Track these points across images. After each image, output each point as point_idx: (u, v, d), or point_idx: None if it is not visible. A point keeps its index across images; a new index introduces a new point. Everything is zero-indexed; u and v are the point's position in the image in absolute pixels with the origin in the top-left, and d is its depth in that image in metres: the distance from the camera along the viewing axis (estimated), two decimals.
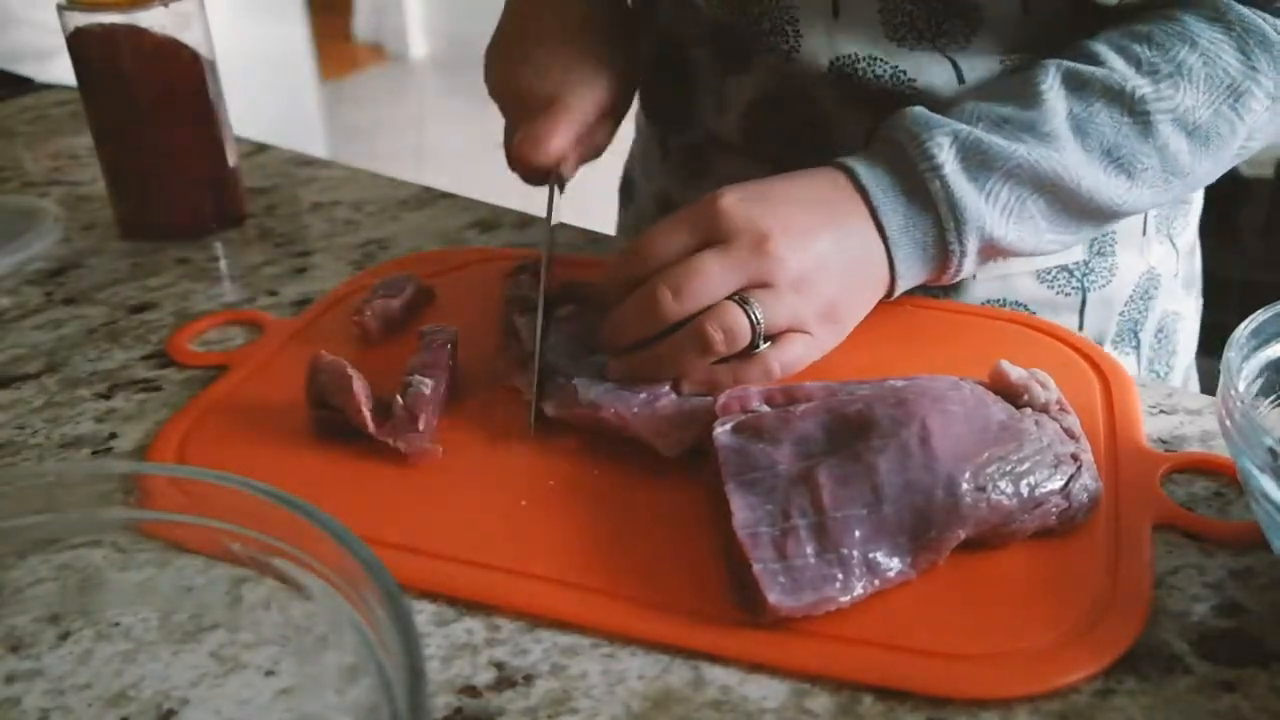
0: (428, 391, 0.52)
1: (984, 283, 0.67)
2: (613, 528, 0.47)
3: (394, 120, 3.84)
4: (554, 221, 0.63)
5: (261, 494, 0.40)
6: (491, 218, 0.81)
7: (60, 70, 0.90)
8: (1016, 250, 0.58)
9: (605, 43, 0.67)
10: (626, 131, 0.82)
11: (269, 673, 0.41)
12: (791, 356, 0.54)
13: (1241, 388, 0.45)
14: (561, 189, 0.65)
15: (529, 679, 0.41)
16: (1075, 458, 0.46)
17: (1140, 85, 0.56)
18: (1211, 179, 0.61)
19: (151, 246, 0.78)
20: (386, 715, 0.37)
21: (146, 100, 0.74)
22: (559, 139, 0.63)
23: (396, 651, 0.34)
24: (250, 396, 0.57)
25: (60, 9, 0.73)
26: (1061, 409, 0.49)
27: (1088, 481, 0.46)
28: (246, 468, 0.52)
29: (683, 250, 0.54)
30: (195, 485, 0.46)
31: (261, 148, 0.96)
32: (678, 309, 0.52)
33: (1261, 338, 0.47)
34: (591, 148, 0.67)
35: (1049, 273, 0.68)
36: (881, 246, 0.56)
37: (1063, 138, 0.56)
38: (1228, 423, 0.42)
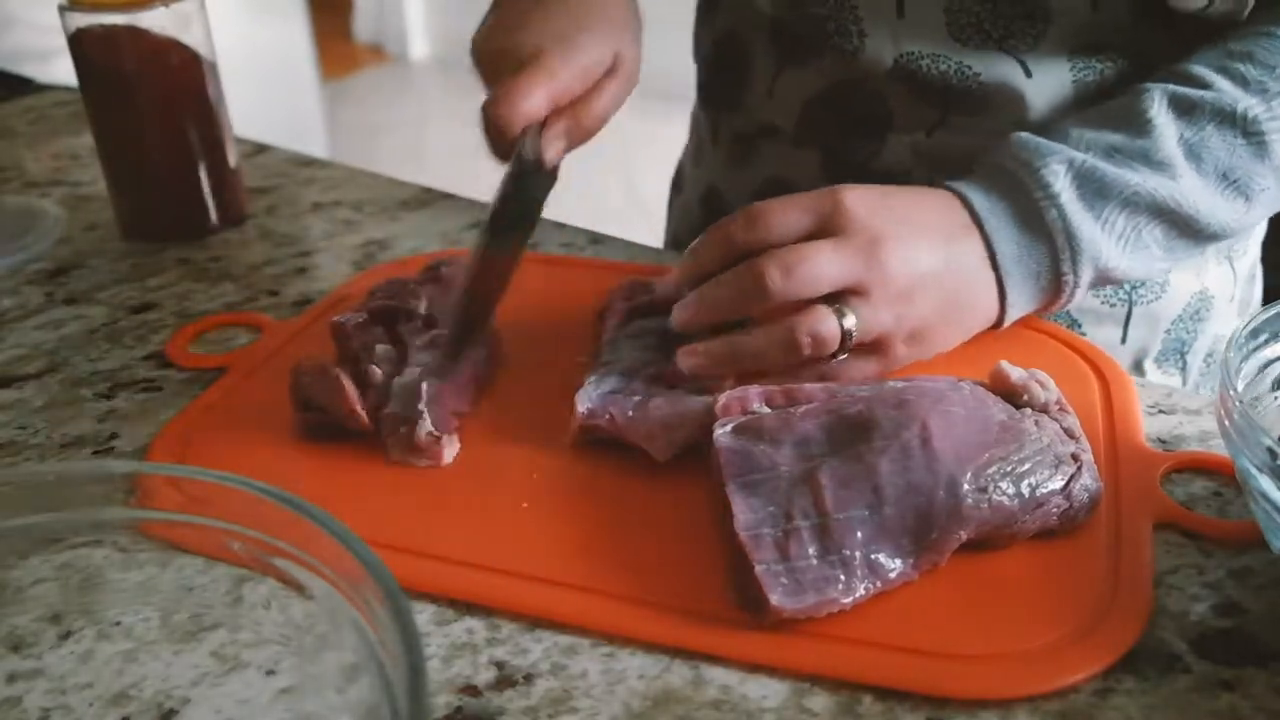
0: (425, 410, 0.52)
1: None
2: (613, 528, 0.47)
3: (394, 120, 3.84)
4: (500, 204, 0.55)
5: (262, 494, 0.40)
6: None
7: (61, 71, 0.90)
8: (1126, 278, 0.58)
9: (607, 7, 0.61)
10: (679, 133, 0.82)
11: (270, 672, 0.41)
12: (863, 374, 0.53)
13: (1240, 388, 0.45)
14: (552, 171, 0.56)
15: (529, 678, 0.41)
16: (1075, 458, 0.47)
17: (1252, 105, 0.56)
18: None
19: (152, 246, 0.78)
20: (387, 714, 0.37)
21: (147, 101, 0.74)
22: (532, 97, 0.55)
23: (397, 651, 0.34)
24: (249, 398, 0.57)
25: (61, 10, 0.73)
26: (1061, 409, 0.49)
27: (1088, 481, 0.46)
28: (246, 468, 0.52)
29: (797, 232, 0.52)
30: (195, 485, 0.46)
31: (262, 148, 0.96)
32: (783, 288, 0.50)
33: (1261, 338, 0.47)
34: (582, 121, 0.59)
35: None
36: (992, 275, 0.55)
37: (1177, 164, 0.55)
38: (1226, 423, 0.42)
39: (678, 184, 0.88)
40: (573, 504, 0.49)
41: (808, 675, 0.40)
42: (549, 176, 0.57)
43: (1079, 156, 0.55)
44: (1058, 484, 0.45)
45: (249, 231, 0.80)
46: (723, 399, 0.50)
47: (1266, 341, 0.47)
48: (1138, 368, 0.70)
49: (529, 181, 0.55)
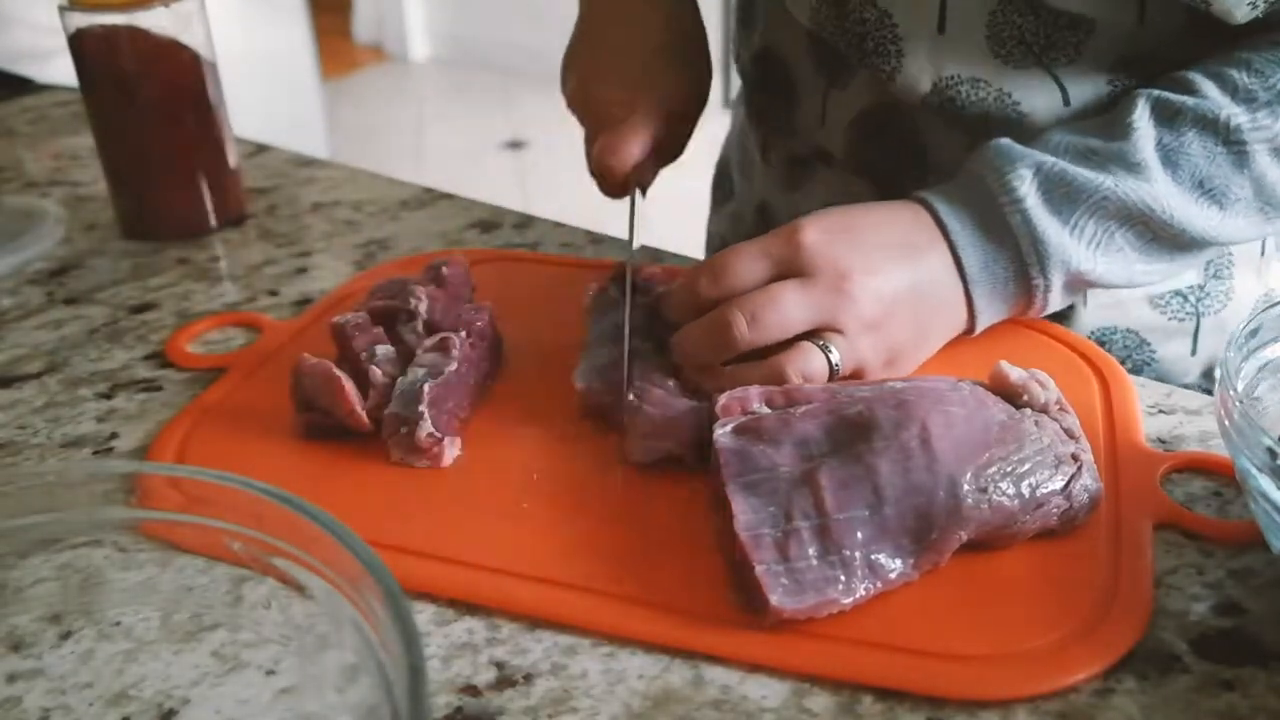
0: (426, 413, 0.52)
1: (1095, 310, 0.66)
2: (613, 528, 0.47)
3: (394, 120, 3.84)
4: (636, 229, 0.63)
5: (262, 494, 0.40)
6: (491, 218, 0.81)
7: (61, 71, 0.90)
8: (1106, 283, 0.57)
9: (684, 44, 0.68)
10: (713, 131, 0.83)
11: (270, 672, 0.41)
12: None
13: (1240, 388, 0.45)
14: (644, 194, 0.65)
15: (529, 678, 0.41)
16: (1075, 458, 0.47)
17: (1236, 114, 0.55)
18: None
19: (152, 246, 0.78)
20: (387, 714, 0.37)
21: (147, 101, 0.74)
22: (635, 145, 0.63)
23: (397, 651, 0.34)
24: (249, 398, 0.57)
25: (61, 10, 0.73)
26: (1061, 409, 0.49)
27: (1088, 482, 0.46)
28: (247, 468, 0.52)
29: (760, 278, 0.53)
30: (195, 485, 0.46)
31: (262, 148, 0.96)
32: (750, 337, 0.51)
33: (1261, 338, 0.47)
34: (670, 150, 0.67)
35: (1162, 298, 0.67)
36: (960, 286, 0.56)
37: (1152, 168, 0.55)
38: (1226, 423, 0.42)
39: (722, 187, 0.88)
40: (573, 504, 0.49)
41: (808, 675, 0.40)
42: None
43: (1048, 160, 0.55)
44: (1058, 484, 0.45)
45: (249, 231, 0.80)
46: (722, 399, 0.50)
47: (1267, 342, 0.47)
48: (1208, 376, 0.69)
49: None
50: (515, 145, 3.22)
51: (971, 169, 0.57)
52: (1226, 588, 0.44)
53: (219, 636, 0.43)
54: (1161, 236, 0.56)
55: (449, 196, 0.86)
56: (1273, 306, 0.47)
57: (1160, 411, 0.55)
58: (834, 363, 0.52)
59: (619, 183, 0.64)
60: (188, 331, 0.65)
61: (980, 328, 0.57)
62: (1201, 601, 0.43)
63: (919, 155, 0.66)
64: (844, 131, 0.69)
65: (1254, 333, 0.46)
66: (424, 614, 0.44)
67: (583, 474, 0.51)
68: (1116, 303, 0.66)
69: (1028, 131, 0.59)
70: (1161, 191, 0.55)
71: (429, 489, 0.50)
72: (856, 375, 0.54)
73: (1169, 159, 0.55)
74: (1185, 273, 0.64)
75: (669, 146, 0.67)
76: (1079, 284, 0.57)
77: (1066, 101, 0.60)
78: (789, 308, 0.52)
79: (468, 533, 0.47)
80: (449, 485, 0.51)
